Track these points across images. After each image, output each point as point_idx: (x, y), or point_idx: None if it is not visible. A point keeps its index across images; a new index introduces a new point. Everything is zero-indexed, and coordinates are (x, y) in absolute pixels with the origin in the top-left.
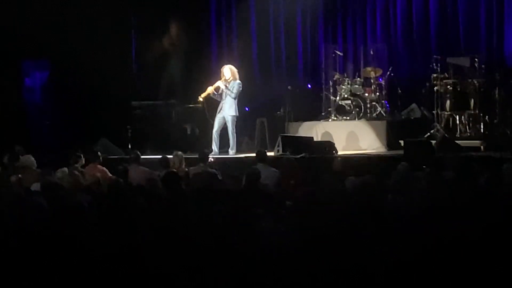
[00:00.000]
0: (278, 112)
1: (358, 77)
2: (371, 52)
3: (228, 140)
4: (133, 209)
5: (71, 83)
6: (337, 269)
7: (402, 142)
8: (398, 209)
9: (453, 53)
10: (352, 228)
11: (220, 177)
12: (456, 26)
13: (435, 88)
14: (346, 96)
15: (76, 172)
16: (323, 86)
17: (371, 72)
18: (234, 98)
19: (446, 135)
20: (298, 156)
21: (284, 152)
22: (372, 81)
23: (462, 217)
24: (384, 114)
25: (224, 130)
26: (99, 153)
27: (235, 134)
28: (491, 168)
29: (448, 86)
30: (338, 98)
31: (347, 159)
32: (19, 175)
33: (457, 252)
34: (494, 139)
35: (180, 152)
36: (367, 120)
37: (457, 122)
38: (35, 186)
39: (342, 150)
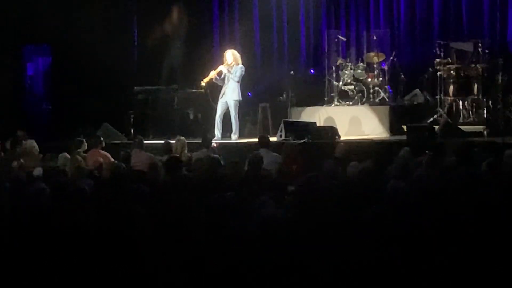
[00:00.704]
0: (281, 97)
1: (361, 62)
2: (374, 38)
3: (231, 125)
4: (135, 194)
5: (73, 69)
6: (338, 254)
7: (405, 127)
8: (400, 194)
9: (456, 38)
10: (354, 213)
11: (222, 163)
12: (459, 11)
13: (438, 73)
14: (349, 81)
15: (78, 157)
16: (326, 71)
17: (374, 57)
18: (238, 82)
19: (449, 120)
20: (301, 141)
21: (286, 137)
22: (375, 66)
23: (462, 202)
24: (387, 99)
25: (226, 115)
26: (101, 138)
27: (237, 119)
28: (494, 154)
29: (451, 71)
30: (341, 83)
31: (349, 144)
32: (21, 160)
33: (457, 238)
34: (497, 125)
35: (182, 137)
36: (370, 105)
37: (460, 107)
38: (37, 171)
39: (344, 135)
